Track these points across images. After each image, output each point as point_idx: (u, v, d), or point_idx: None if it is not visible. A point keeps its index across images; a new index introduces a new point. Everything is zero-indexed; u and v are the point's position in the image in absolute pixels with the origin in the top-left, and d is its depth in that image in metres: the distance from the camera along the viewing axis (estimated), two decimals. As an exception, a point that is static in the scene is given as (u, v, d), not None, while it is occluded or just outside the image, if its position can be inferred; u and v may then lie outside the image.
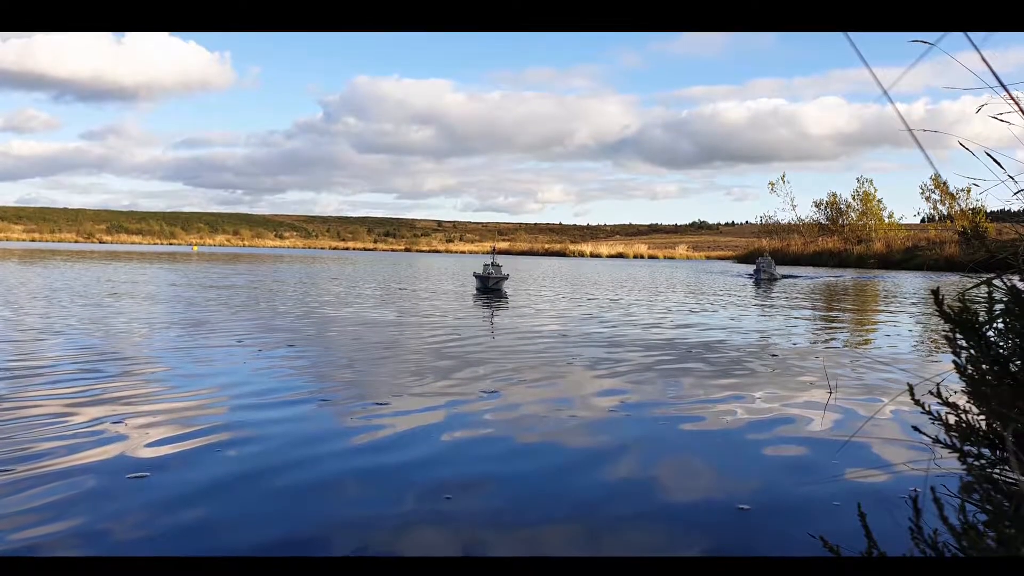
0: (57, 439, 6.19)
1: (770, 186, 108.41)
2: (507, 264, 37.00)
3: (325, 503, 4.93)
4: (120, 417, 7.02)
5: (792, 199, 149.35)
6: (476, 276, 29.28)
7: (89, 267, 40.51)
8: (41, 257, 55.40)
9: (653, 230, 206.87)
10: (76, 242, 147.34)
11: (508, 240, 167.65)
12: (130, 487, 5.12)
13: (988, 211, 69.81)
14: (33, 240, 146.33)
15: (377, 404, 7.89)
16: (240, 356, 10.92)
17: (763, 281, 42.68)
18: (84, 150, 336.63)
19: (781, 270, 53.94)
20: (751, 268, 55.28)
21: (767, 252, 63.16)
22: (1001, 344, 2.43)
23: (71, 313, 16.36)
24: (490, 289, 27.76)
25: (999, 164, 2.76)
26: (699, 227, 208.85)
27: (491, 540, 4.39)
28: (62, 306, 17.88)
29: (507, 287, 29.76)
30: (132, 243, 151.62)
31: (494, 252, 34.87)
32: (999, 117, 2.62)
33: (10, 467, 5.42)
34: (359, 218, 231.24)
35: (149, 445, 6.12)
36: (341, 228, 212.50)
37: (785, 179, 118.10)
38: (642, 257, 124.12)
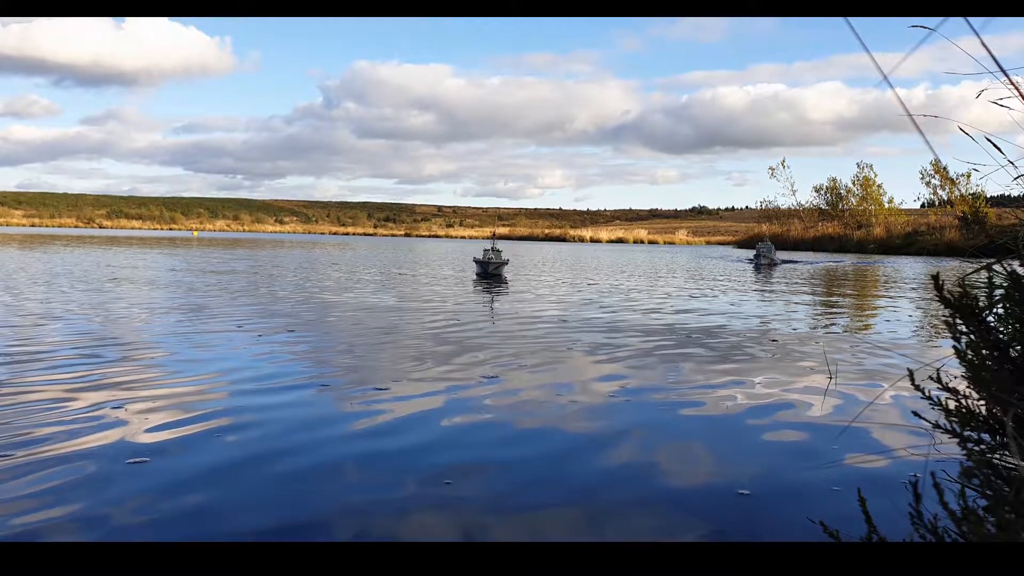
0: (57, 424, 6.20)
1: (770, 171, 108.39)
2: (507, 249, 36.96)
3: (325, 488, 4.94)
4: (120, 402, 7.03)
5: (792, 184, 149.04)
6: (476, 261, 29.25)
7: (89, 252, 40.49)
8: (41, 242, 55.39)
9: (653, 215, 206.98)
10: (76, 227, 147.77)
11: (508, 225, 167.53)
12: (130, 472, 5.13)
13: (988, 196, 69.93)
14: (33, 225, 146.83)
15: (377, 389, 7.90)
16: (240, 341, 10.93)
17: (763, 266, 42.59)
18: (84, 135, 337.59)
19: (781, 255, 53.81)
20: (751, 253, 55.31)
21: (767, 237, 62.83)
22: (1001, 329, 2.42)
23: (71, 298, 16.36)
24: (490, 275, 27.72)
25: (999, 149, 2.75)
26: (699, 212, 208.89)
27: (491, 524, 4.40)
28: (62, 291, 17.88)
29: (507, 272, 29.73)
30: (132, 228, 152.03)
31: (494, 238, 34.84)
32: (999, 102, 2.61)
33: (10, 452, 5.43)
34: (359, 203, 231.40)
35: (149, 430, 6.13)
36: (341, 213, 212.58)
37: (785, 164, 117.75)
38: (642, 242, 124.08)
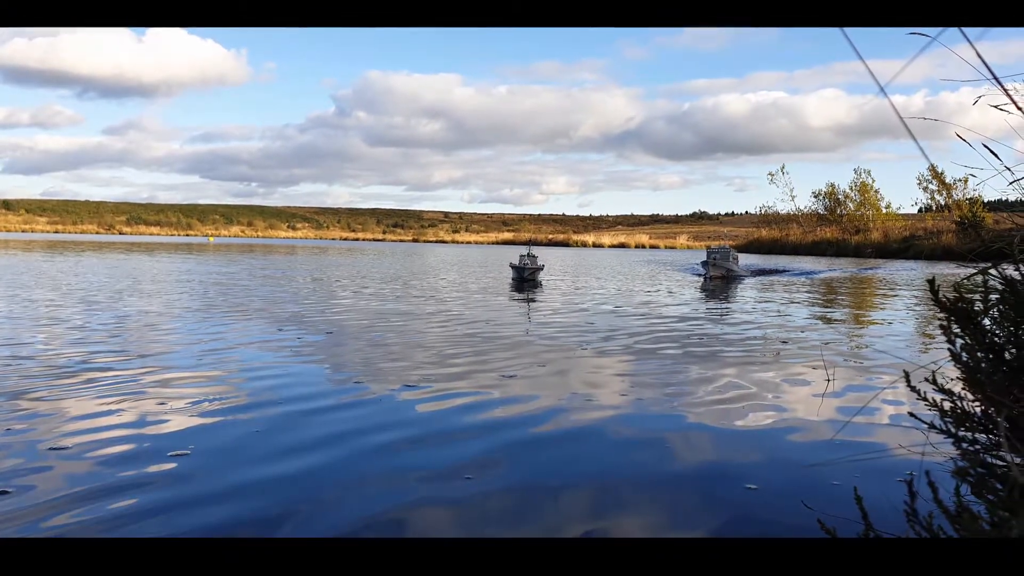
0: (93, 431, 6.22)
1: (769, 177, 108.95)
2: (511, 254, 36.96)
3: (344, 487, 4.98)
4: (152, 405, 7.07)
5: (791, 190, 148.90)
6: (512, 267, 29.69)
7: (118, 259, 40.55)
8: (64, 248, 55.82)
9: (654, 220, 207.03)
10: (97, 233, 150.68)
11: (512, 231, 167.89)
12: (163, 476, 5.18)
13: (985, 201, 70.09)
14: (57, 231, 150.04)
15: (396, 390, 8.01)
16: (272, 345, 11.02)
17: (711, 278, 32.54)
18: (106, 144, 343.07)
19: (779, 260, 50.64)
20: (748, 259, 45.49)
21: (726, 241, 48.02)
22: (996, 332, 2.48)
23: (99, 303, 16.43)
24: (526, 279, 28.09)
25: (995, 155, 2.79)
26: (700, 217, 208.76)
27: (509, 518, 4.48)
28: (88, 298, 17.96)
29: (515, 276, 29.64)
30: (150, 234, 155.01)
31: (530, 243, 35.12)
32: (1000, 107, 2.65)
33: (59, 450, 5.50)
34: (369, 209, 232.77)
35: (177, 432, 6.18)
36: (351, 219, 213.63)
37: (784, 170, 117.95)
38: (644, 247, 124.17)
